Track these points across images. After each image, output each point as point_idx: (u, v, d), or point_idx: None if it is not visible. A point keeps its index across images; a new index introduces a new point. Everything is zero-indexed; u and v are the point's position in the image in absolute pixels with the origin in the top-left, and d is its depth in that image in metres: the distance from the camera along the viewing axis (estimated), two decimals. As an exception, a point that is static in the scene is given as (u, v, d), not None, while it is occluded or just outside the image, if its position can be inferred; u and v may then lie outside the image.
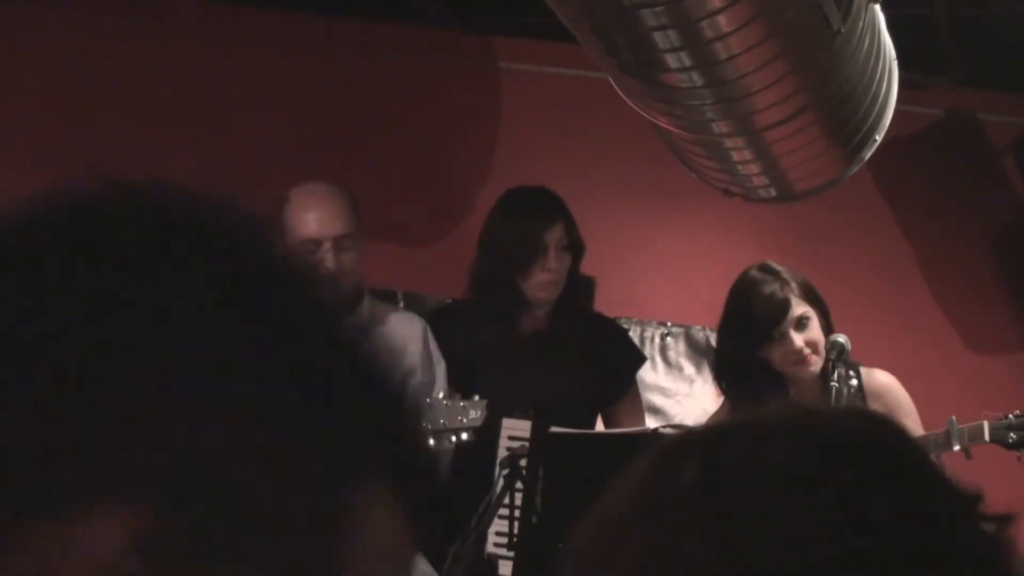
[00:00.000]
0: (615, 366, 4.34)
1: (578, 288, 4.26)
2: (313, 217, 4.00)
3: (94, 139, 5.19)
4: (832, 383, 3.81)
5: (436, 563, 3.73)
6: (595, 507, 0.96)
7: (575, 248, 4.23)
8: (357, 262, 4.05)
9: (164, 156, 5.20)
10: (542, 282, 4.16)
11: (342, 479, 0.62)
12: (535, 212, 4.20)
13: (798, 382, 4.06)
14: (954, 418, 3.96)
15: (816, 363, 4.02)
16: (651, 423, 4.87)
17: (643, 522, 0.92)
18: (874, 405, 4.15)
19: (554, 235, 4.17)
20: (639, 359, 4.49)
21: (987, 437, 3.92)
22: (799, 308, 4.03)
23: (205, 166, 5.20)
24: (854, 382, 4.17)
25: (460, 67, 5.42)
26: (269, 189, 4.71)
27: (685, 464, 0.93)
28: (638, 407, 4.41)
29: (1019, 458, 3.95)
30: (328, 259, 3.94)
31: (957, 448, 3.92)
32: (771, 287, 4.03)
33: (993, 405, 5.04)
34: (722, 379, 4.23)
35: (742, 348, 4.07)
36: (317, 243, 3.97)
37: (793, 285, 4.04)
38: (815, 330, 4.03)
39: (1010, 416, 3.96)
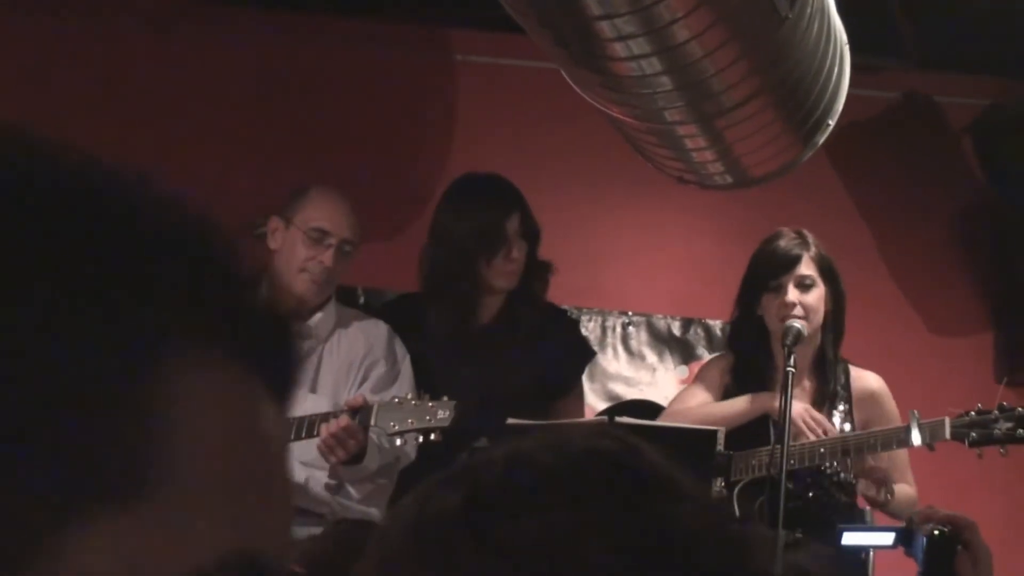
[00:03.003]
0: (563, 362, 4.33)
1: (535, 275, 4.27)
2: (332, 212, 4.13)
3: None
4: (789, 368, 3.81)
5: None
6: (370, 547, 0.98)
7: (532, 236, 4.23)
8: (342, 273, 4.21)
9: (122, 150, 5.17)
10: (506, 272, 4.18)
11: (135, 357, 0.56)
12: (493, 202, 4.19)
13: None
14: (916, 412, 3.94)
15: (803, 326, 4.01)
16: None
17: (414, 559, 0.94)
18: (858, 406, 4.16)
19: (513, 224, 4.17)
20: (587, 355, 4.49)
21: (948, 435, 3.90)
22: (807, 269, 4.05)
23: (161, 160, 5.17)
24: (841, 379, 4.18)
25: (415, 60, 5.41)
26: (224, 183, 4.71)
27: (447, 496, 0.95)
28: (580, 404, 4.42)
29: (979, 455, 3.94)
30: (328, 256, 4.08)
31: (918, 444, 3.91)
32: (789, 241, 4.08)
33: (955, 386, 5.06)
34: (728, 338, 4.29)
35: (746, 299, 4.11)
36: (325, 234, 4.10)
37: (812, 250, 4.08)
38: (815, 298, 4.05)
39: (971, 413, 3.93)
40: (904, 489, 4.08)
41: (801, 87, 3.75)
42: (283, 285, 4.17)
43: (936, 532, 2.47)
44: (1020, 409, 3.93)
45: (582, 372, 4.45)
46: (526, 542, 0.92)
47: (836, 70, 3.92)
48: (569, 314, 4.69)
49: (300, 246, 4.10)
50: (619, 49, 3.26)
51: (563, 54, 3.44)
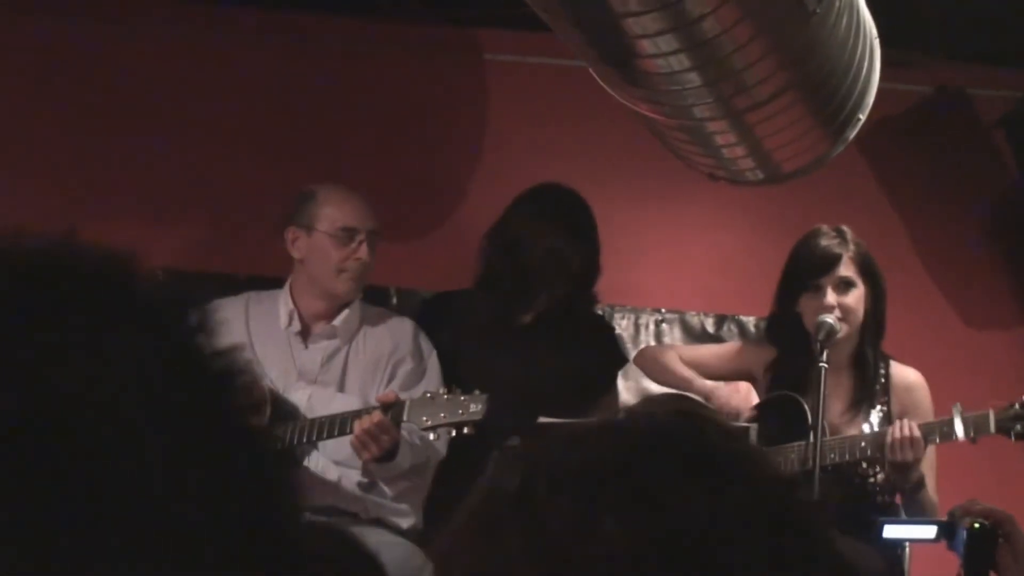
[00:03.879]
0: (597, 367, 4.38)
1: (583, 294, 4.36)
2: (352, 208, 4.18)
3: (68, 141, 5.20)
4: (821, 363, 3.80)
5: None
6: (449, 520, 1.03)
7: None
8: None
9: (147, 158, 5.21)
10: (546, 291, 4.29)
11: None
12: (568, 235, 4.28)
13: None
14: (959, 405, 3.91)
15: (842, 328, 4.01)
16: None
17: (471, 536, 0.97)
18: (896, 399, 4.14)
19: (575, 260, 4.28)
20: (620, 361, 4.54)
21: (992, 428, 3.87)
22: (847, 270, 4.04)
23: (191, 167, 5.20)
24: (881, 377, 4.16)
25: (444, 61, 5.41)
26: (257, 189, 4.74)
27: (509, 477, 0.97)
28: (613, 410, 4.45)
29: None
30: (363, 251, 4.14)
31: (962, 437, 3.88)
32: (828, 240, 4.06)
33: (993, 380, 5.03)
34: (767, 332, 4.29)
35: (784, 296, 4.10)
36: (353, 231, 4.14)
37: (852, 249, 4.06)
38: (854, 299, 4.04)
39: (1016, 405, 3.90)
40: (928, 493, 4.05)
41: (831, 82, 3.74)
42: (322, 291, 4.19)
43: (976, 525, 2.45)
44: None
45: (614, 378, 4.50)
46: (555, 524, 0.93)
47: (866, 64, 3.90)
48: (605, 318, 4.72)
49: (331, 249, 4.12)
50: (647, 46, 3.26)
51: (591, 52, 3.44)
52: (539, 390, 4.14)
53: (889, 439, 3.88)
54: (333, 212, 4.15)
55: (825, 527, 0.99)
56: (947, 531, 2.58)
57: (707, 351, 4.49)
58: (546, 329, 4.31)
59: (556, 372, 4.24)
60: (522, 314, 4.33)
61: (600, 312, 5.01)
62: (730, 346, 4.63)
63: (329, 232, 4.12)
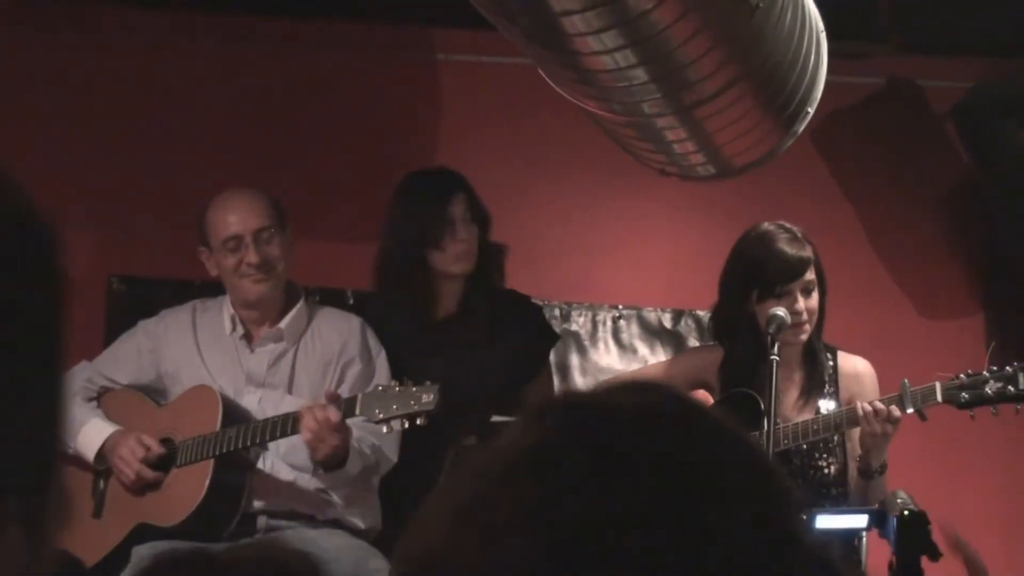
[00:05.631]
0: (527, 346, 4.34)
1: (490, 259, 4.29)
2: (231, 215, 4.16)
3: (26, 146, 5.18)
4: (773, 356, 3.82)
5: (387, 550, 3.80)
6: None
7: (481, 219, 4.26)
8: (287, 255, 4.19)
9: (104, 160, 5.20)
10: (456, 254, 4.22)
11: None
12: (435, 189, 4.25)
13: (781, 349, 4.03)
14: (906, 381, 3.97)
15: (807, 332, 4.04)
16: None
17: (415, 524, 0.99)
18: (844, 388, 4.17)
19: (457, 208, 4.21)
20: (552, 338, 4.50)
21: (939, 398, 3.94)
22: (811, 274, 4.05)
23: (143, 172, 5.19)
24: (830, 364, 4.19)
25: (398, 61, 5.41)
26: (209, 192, 4.73)
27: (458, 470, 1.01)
28: (550, 387, 4.45)
29: (972, 417, 3.98)
30: (250, 254, 4.10)
31: (910, 411, 3.93)
32: (792, 245, 4.06)
33: (948, 369, 5.06)
34: (716, 331, 4.28)
35: (739, 297, 4.08)
36: (237, 239, 4.12)
37: (809, 250, 4.07)
38: (815, 300, 4.06)
39: (962, 376, 3.97)
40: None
41: (777, 76, 3.76)
42: (241, 300, 4.20)
43: (906, 512, 2.48)
44: (1009, 368, 3.95)
45: (547, 356, 4.45)
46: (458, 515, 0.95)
47: (813, 58, 3.92)
48: (533, 300, 4.60)
49: (226, 260, 4.15)
50: (592, 43, 3.26)
51: (536, 50, 3.45)
52: (474, 382, 4.13)
53: (861, 412, 3.92)
54: (216, 226, 4.17)
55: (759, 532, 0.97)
56: (878, 520, 2.60)
57: (656, 370, 4.48)
58: (465, 318, 4.28)
59: (485, 362, 4.21)
60: (435, 308, 4.29)
61: (556, 309, 5.01)
62: (676, 358, 4.69)
63: (219, 247, 4.15)
